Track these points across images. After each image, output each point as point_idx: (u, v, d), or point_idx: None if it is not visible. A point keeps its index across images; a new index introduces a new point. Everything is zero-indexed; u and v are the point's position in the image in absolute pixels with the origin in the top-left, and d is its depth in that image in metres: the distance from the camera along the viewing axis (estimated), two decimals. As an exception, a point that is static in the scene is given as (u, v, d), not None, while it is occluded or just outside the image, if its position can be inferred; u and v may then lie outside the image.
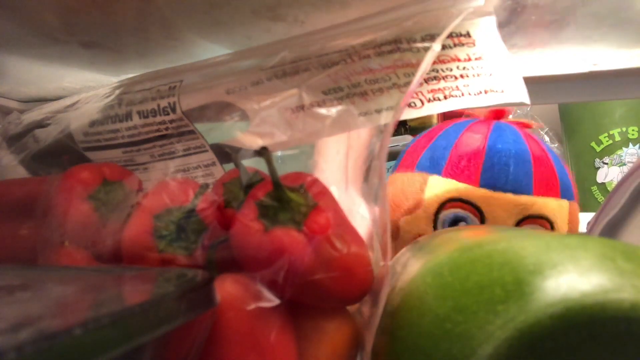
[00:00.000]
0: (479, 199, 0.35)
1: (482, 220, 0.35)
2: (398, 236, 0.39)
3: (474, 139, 0.37)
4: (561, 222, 0.36)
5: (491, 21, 0.25)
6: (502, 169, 0.36)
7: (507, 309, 0.15)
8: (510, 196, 0.35)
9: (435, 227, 0.36)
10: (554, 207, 0.36)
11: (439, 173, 0.37)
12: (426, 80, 0.25)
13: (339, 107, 0.25)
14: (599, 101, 0.75)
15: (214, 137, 0.29)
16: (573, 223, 0.38)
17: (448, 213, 0.36)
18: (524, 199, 0.35)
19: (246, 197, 0.22)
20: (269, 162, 0.22)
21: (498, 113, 0.41)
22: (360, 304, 0.23)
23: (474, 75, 0.25)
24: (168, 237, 0.22)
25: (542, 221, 0.35)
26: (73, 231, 0.24)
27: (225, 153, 0.28)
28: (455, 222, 0.36)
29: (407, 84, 0.24)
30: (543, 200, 0.35)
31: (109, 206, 0.25)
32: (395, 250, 0.38)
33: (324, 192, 0.22)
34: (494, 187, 0.35)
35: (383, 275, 0.21)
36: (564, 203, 0.37)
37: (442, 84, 0.25)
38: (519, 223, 0.35)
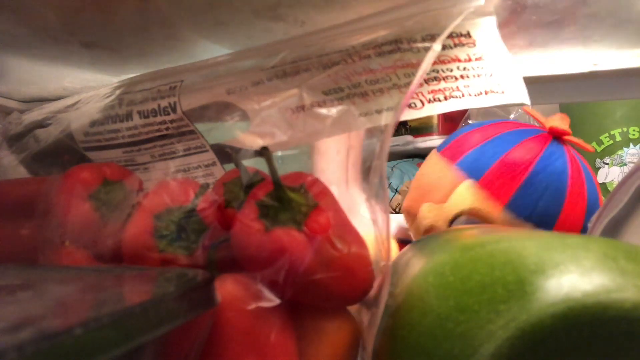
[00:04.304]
0: (497, 221, 0.35)
1: None
2: (414, 222, 0.39)
3: (520, 159, 0.36)
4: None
5: (491, 21, 0.25)
6: (533, 201, 0.35)
7: (509, 308, 0.15)
8: (529, 228, 0.35)
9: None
10: None
11: (477, 179, 0.37)
12: (426, 81, 0.25)
13: (340, 108, 0.25)
14: (599, 101, 0.75)
15: (214, 137, 0.29)
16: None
17: (463, 220, 0.36)
18: None
19: (247, 197, 0.22)
20: (270, 162, 0.22)
21: (561, 132, 0.38)
22: (361, 303, 0.23)
23: (474, 76, 0.25)
24: (168, 237, 0.22)
25: None
26: (74, 231, 0.24)
27: (226, 153, 0.28)
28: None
29: (408, 84, 0.24)
30: None
31: (109, 206, 0.25)
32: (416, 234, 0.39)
33: (325, 192, 0.22)
34: (518, 214, 0.35)
35: (383, 275, 0.21)
36: None
37: (442, 84, 0.25)
38: None
